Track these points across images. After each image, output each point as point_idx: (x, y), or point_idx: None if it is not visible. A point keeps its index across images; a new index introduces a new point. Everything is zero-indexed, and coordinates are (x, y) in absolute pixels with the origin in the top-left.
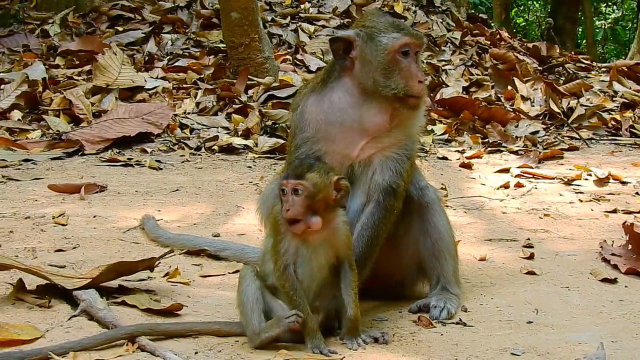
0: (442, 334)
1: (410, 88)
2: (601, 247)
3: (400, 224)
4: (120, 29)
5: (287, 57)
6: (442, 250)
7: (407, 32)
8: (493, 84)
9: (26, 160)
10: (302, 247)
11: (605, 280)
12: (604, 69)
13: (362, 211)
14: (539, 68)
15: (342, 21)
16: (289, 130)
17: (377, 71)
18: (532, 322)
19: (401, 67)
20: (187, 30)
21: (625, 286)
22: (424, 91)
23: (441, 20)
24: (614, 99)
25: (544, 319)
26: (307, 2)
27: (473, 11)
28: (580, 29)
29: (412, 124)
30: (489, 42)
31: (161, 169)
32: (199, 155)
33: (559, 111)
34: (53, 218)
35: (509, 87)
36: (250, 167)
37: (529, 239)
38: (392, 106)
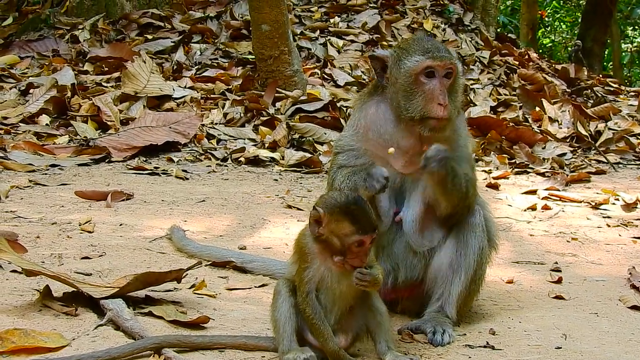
0: (469, 357)
1: (427, 111)
2: (630, 273)
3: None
4: (149, 37)
5: (316, 70)
6: (461, 267)
7: (430, 55)
8: (521, 104)
9: (53, 166)
10: (327, 275)
11: (634, 307)
12: (633, 93)
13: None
14: (567, 90)
15: (371, 36)
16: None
17: (401, 93)
18: (560, 347)
19: (424, 89)
20: (216, 41)
21: None
22: (445, 113)
23: (470, 39)
24: None
25: (572, 344)
26: (336, 17)
27: (501, 30)
28: (606, 52)
29: (454, 145)
30: (517, 63)
31: (187, 178)
32: (226, 166)
33: (586, 134)
34: (79, 225)
35: (537, 109)
36: (276, 180)
37: (556, 262)
38: (417, 129)
